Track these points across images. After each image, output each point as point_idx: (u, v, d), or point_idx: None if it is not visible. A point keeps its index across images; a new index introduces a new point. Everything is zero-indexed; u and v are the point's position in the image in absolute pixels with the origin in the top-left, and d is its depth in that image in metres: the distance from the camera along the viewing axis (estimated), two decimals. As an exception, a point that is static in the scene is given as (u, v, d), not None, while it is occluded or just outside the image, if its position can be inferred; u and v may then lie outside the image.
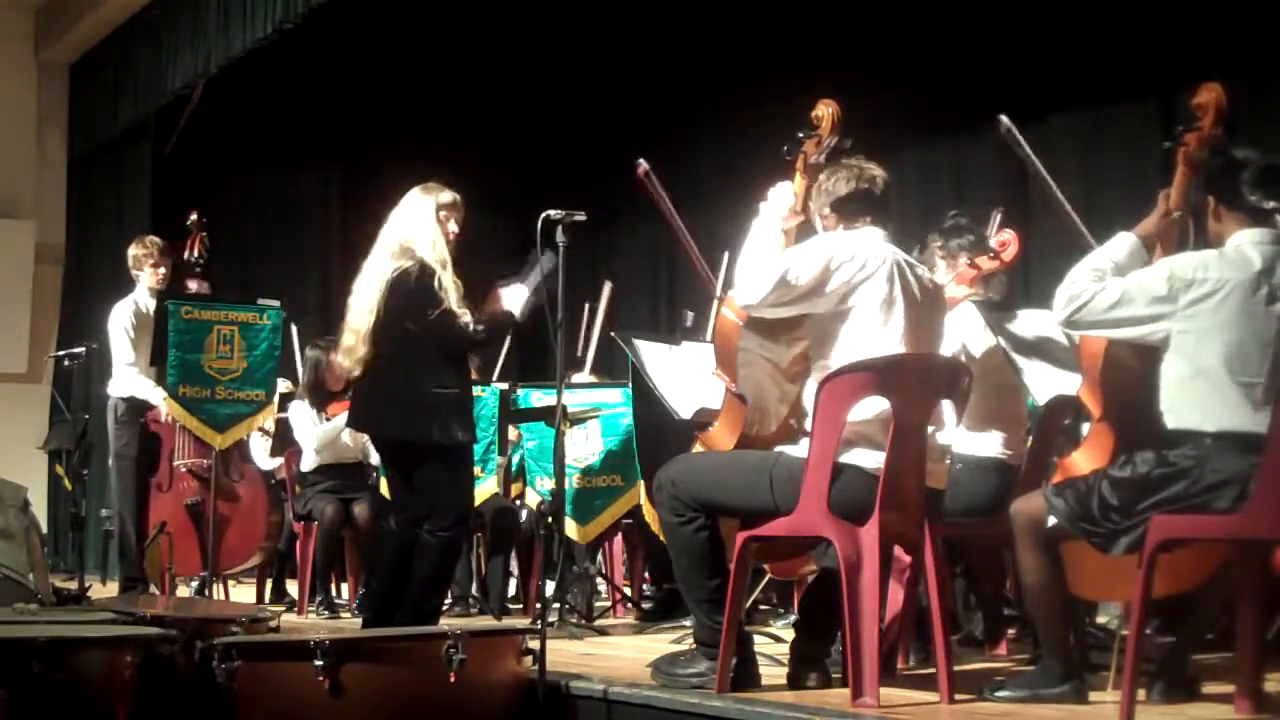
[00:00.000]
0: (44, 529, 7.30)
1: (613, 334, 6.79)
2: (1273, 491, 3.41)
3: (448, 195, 5.23)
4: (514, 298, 5.23)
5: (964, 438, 4.78)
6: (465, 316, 5.09)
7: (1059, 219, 5.03)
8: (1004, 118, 4.89)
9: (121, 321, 7.19)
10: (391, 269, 5.12)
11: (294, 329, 8.25)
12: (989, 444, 4.94)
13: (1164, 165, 4.11)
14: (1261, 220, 3.69)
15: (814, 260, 4.01)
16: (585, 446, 6.60)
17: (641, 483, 6.36)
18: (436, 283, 5.07)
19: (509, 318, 5.23)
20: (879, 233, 4.17)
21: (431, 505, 5.14)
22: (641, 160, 5.68)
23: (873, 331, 4.01)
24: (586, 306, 7.60)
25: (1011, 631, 5.38)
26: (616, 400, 6.57)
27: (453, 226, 5.21)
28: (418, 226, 5.17)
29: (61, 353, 8.75)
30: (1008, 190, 7.76)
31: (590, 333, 7.50)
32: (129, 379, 7.12)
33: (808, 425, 4.03)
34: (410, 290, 5.08)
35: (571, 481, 6.42)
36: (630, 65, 10.17)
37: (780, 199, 4.20)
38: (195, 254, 7.28)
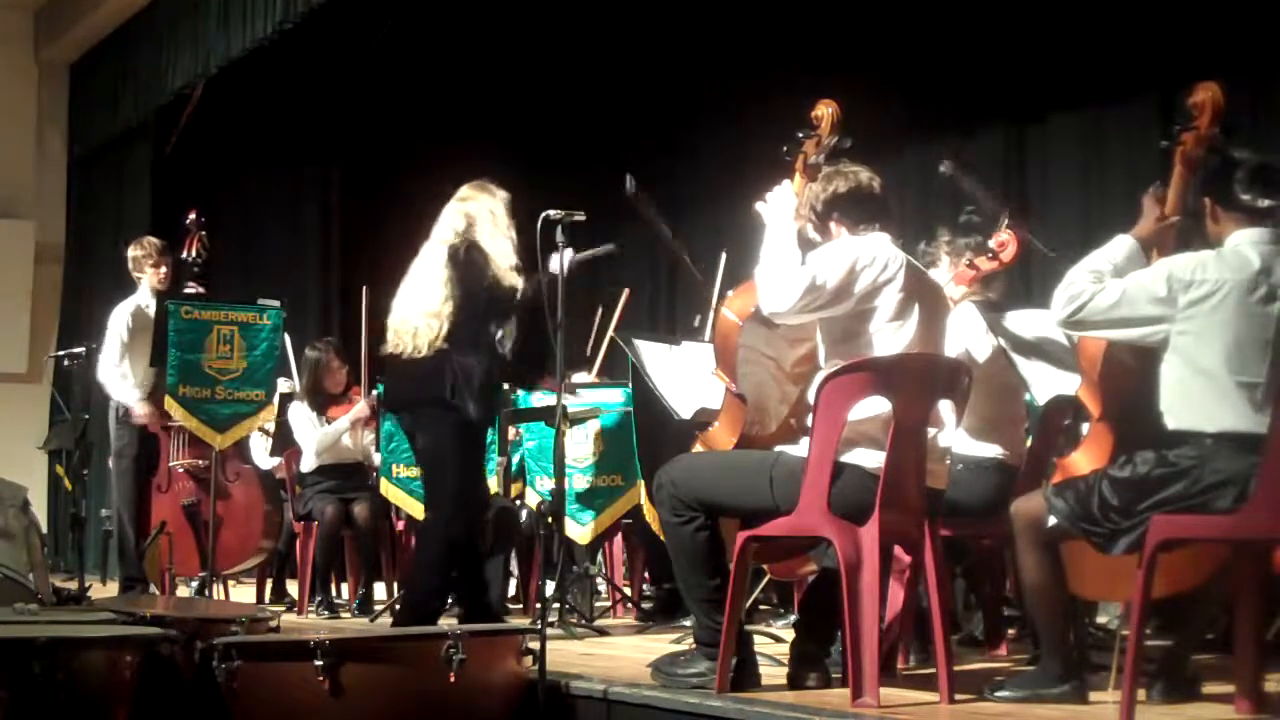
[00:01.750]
0: (44, 529, 7.29)
1: (613, 334, 6.78)
2: (1273, 491, 3.41)
3: (505, 194, 5.38)
4: (556, 262, 5.31)
5: (964, 438, 4.79)
6: (515, 281, 5.23)
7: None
8: (945, 162, 4.99)
9: (118, 324, 7.21)
10: (445, 250, 5.29)
11: (287, 336, 8.26)
12: (989, 444, 4.95)
13: (1163, 165, 4.11)
14: (1259, 220, 3.69)
15: (839, 263, 4.01)
16: (585, 446, 6.60)
17: (641, 483, 6.36)
18: (486, 263, 5.23)
19: (552, 280, 5.31)
20: (887, 237, 4.17)
21: (430, 486, 5.19)
22: (629, 178, 5.68)
23: (888, 333, 4.02)
24: (601, 309, 7.59)
25: (1011, 631, 5.38)
26: (617, 400, 6.57)
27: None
28: (477, 216, 5.33)
29: (61, 353, 8.75)
30: (1007, 191, 7.77)
31: (601, 336, 7.49)
32: (111, 381, 7.16)
33: (809, 424, 4.03)
34: (459, 263, 5.23)
35: (571, 481, 6.42)
36: (631, 65, 10.17)
37: (783, 202, 4.19)
38: (194, 254, 7.28)
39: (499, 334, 5.43)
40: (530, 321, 5.41)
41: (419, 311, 5.29)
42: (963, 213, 5.30)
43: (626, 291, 7.46)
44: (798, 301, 3.97)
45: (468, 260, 5.26)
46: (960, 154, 4.94)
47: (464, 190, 5.45)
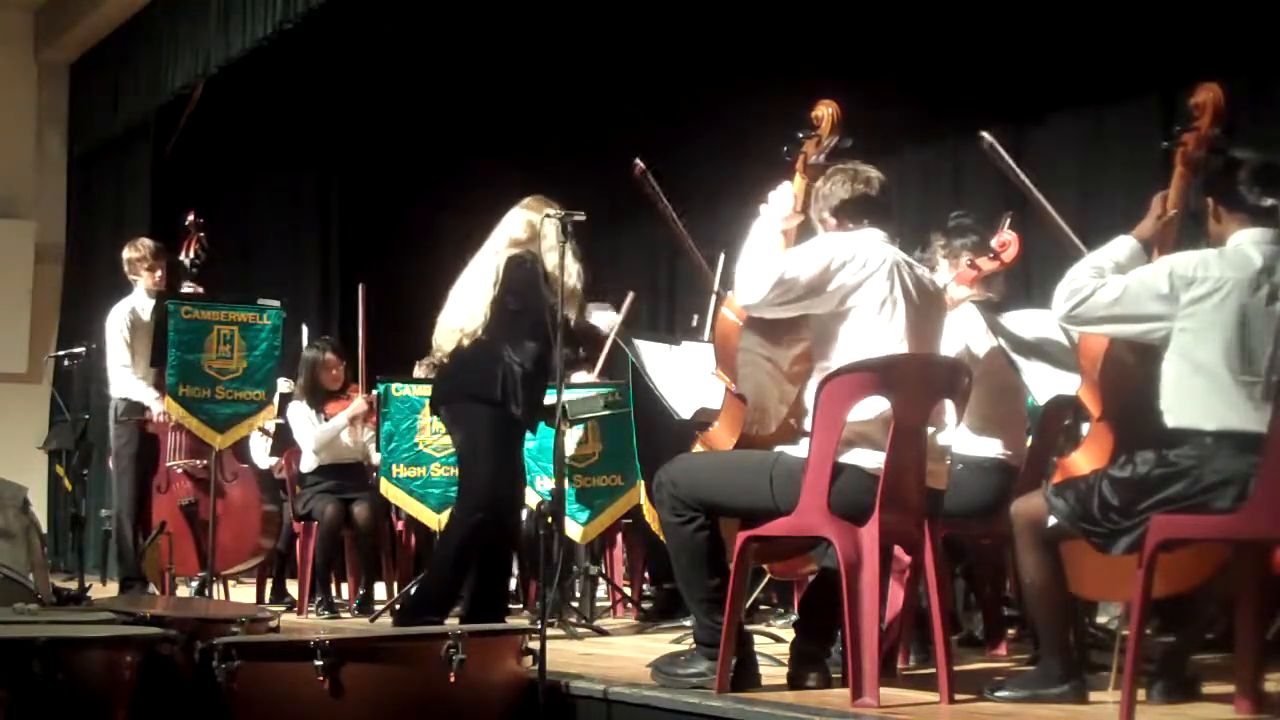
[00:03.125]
0: (44, 529, 7.29)
1: (615, 336, 6.76)
2: (1273, 491, 3.41)
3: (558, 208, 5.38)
4: (603, 319, 5.34)
5: (964, 438, 4.79)
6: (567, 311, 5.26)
7: (1052, 231, 5.05)
8: (985, 134, 4.97)
9: (117, 325, 7.20)
10: (506, 255, 5.33)
11: (304, 329, 8.26)
12: (989, 444, 4.94)
13: (1164, 165, 4.11)
14: (1261, 219, 3.70)
15: (814, 259, 4.02)
16: (585, 446, 6.60)
17: (641, 483, 6.36)
18: (543, 273, 5.27)
19: (594, 331, 5.47)
20: (879, 233, 4.18)
21: (461, 481, 5.20)
22: (638, 159, 5.69)
23: (874, 331, 4.01)
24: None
25: (1011, 631, 5.38)
26: (617, 400, 6.56)
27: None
28: (541, 230, 5.35)
29: (61, 353, 8.74)
30: (1006, 191, 7.76)
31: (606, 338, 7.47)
32: (124, 381, 7.15)
33: (808, 425, 4.03)
34: (523, 272, 5.27)
35: (572, 481, 6.42)
36: (630, 66, 10.17)
37: (781, 201, 4.20)
38: (192, 254, 7.28)
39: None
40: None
41: (464, 311, 5.33)
42: (952, 216, 5.29)
43: (631, 295, 7.47)
44: (767, 293, 3.98)
45: (533, 273, 5.27)
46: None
47: (527, 201, 5.49)
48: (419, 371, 7.16)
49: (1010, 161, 5.01)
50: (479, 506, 5.27)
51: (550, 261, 5.27)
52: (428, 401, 5.85)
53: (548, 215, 4.96)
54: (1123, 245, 3.91)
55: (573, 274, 5.28)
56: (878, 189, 4.22)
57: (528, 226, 5.40)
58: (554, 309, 5.14)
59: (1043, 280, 6.28)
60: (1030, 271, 6.97)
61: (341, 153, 11.43)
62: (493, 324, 5.29)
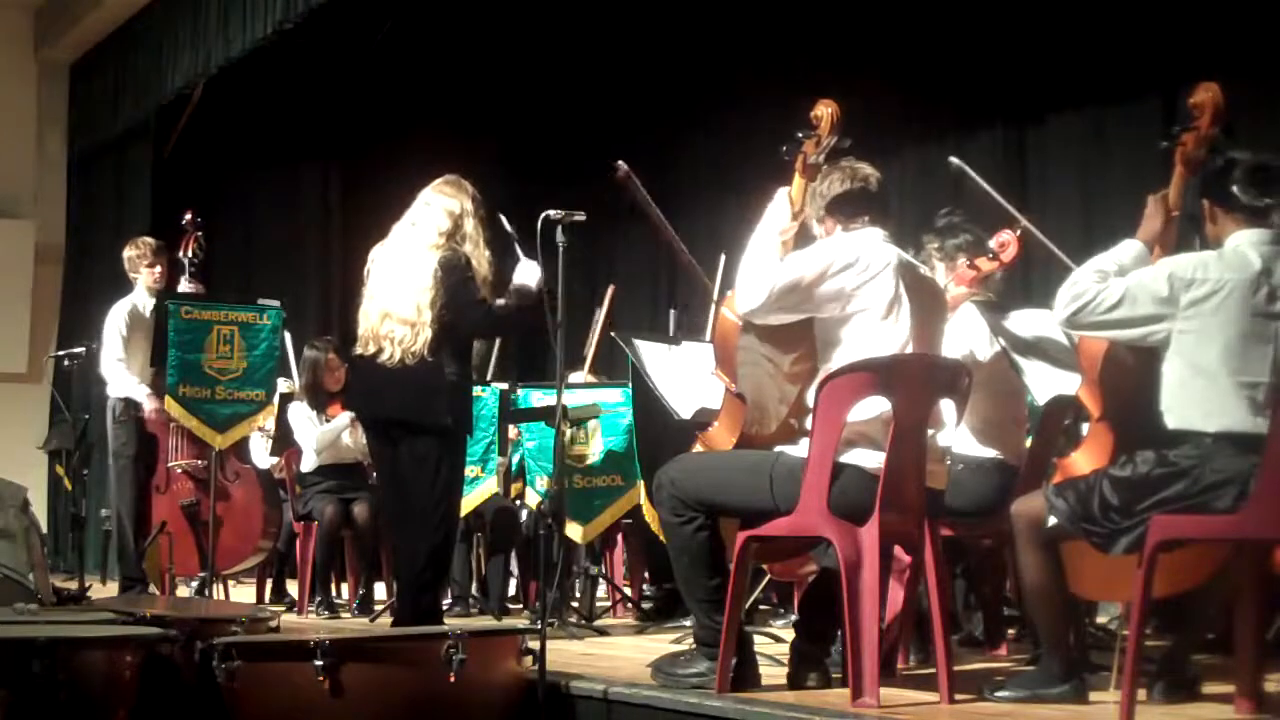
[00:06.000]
0: (44, 529, 7.29)
1: (613, 334, 6.78)
2: (1273, 491, 3.41)
3: (476, 193, 5.29)
4: (527, 273, 5.21)
5: (965, 439, 4.79)
6: (496, 301, 5.18)
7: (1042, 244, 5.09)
8: (954, 159, 4.99)
9: (116, 321, 7.20)
10: (438, 258, 5.14)
11: (288, 335, 8.26)
12: (989, 445, 4.94)
13: (1164, 166, 4.11)
14: (1259, 220, 3.70)
15: (813, 264, 4.01)
16: (585, 446, 6.60)
17: (641, 483, 6.36)
18: (474, 275, 5.13)
19: (528, 291, 5.18)
20: (879, 233, 4.17)
21: (415, 495, 5.13)
22: (620, 163, 5.65)
23: (881, 332, 4.01)
24: (597, 309, 7.58)
25: (1011, 631, 5.39)
26: (616, 400, 6.57)
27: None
28: (461, 222, 5.21)
29: (61, 353, 8.76)
30: (1006, 191, 7.76)
31: (591, 333, 7.49)
32: (118, 377, 7.14)
33: (809, 425, 4.03)
34: (455, 280, 5.11)
35: (572, 481, 6.42)
36: (629, 65, 10.18)
37: (779, 210, 4.20)
38: (189, 253, 7.28)
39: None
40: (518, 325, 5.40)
41: (402, 316, 5.12)
42: (940, 215, 5.28)
43: (612, 289, 7.47)
44: (765, 301, 3.98)
45: (464, 278, 5.11)
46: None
47: (442, 187, 5.28)
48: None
49: (984, 184, 5.07)
50: (440, 524, 5.15)
51: (475, 254, 5.17)
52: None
53: (548, 216, 4.86)
54: (1128, 249, 3.91)
55: (488, 262, 5.21)
56: (875, 184, 4.22)
57: (449, 218, 5.19)
58: (481, 305, 5.12)
59: (1043, 280, 6.29)
60: (1030, 271, 6.98)
61: (342, 153, 11.42)
62: (434, 340, 5.09)
